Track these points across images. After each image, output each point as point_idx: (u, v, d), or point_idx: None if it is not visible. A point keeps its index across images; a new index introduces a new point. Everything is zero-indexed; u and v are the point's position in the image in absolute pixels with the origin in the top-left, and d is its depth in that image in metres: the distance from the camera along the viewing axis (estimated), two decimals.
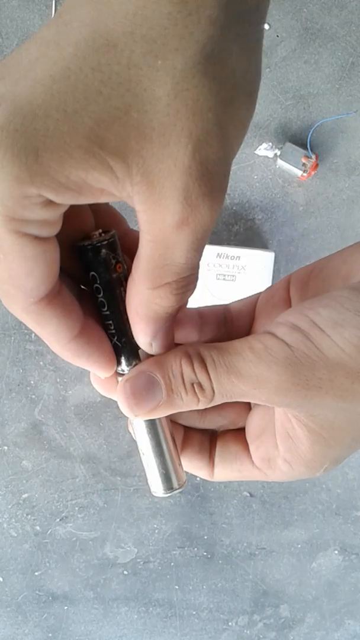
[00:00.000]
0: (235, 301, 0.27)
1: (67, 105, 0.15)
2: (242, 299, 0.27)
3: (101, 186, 0.17)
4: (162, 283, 0.19)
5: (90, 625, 0.83)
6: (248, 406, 0.27)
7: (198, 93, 0.16)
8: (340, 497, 0.80)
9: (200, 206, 0.17)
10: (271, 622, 0.83)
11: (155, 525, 0.80)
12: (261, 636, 0.84)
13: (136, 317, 0.21)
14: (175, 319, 0.23)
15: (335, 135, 0.74)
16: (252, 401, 0.22)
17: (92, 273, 0.21)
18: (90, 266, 0.21)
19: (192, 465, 0.26)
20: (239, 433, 0.27)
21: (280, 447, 0.23)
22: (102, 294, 0.22)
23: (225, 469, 0.26)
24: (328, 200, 0.75)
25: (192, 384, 0.21)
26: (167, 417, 0.24)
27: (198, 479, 0.79)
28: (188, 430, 0.27)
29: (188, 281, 0.20)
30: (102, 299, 0.22)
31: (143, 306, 0.20)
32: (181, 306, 0.21)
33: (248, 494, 0.80)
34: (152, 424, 0.24)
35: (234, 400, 0.22)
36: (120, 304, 0.22)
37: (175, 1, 0.15)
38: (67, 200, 0.17)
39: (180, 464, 0.25)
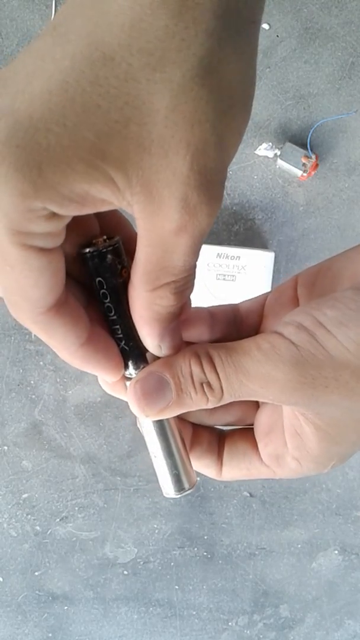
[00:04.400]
0: (245, 301, 0.28)
1: (66, 119, 0.15)
2: (251, 299, 0.28)
3: (103, 197, 0.17)
4: (160, 284, 0.20)
5: (90, 625, 0.83)
6: (256, 404, 0.28)
7: (196, 105, 0.16)
8: (340, 497, 0.80)
9: (198, 213, 0.17)
10: (271, 622, 0.83)
11: (155, 525, 0.80)
12: (261, 636, 0.84)
13: (140, 320, 0.21)
14: (183, 320, 0.23)
15: (335, 135, 0.74)
16: (260, 400, 0.22)
17: (99, 279, 0.22)
18: (96, 272, 0.22)
19: (200, 463, 0.27)
20: (248, 432, 0.27)
21: (288, 444, 0.24)
22: (108, 299, 0.22)
23: (234, 468, 0.26)
24: (328, 200, 0.75)
25: (202, 384, 0.21)
26: (176, 417, 0.25)
27: (198, 478, 0.79)
28: (196, 429, 0.27)
29: (186, 281, 0.20)
30: (109, 304, 0.22)
31: (145, 309, 0.21)
32: (184, 305, 0.22)
33: (248, 494, 0.80)
34: (161, 426, 0.24)
35: (243, 399, 0.22)
36: (127, 308, 0.22)
37: (172, 14, 0.15)
38: (71, 212, 0.17)
39: (190, 465, 0.25)
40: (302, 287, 0.26)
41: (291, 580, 0.82)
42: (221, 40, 0.16)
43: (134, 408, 0.23)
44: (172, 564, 0.81)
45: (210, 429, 0.28)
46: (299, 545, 0.81)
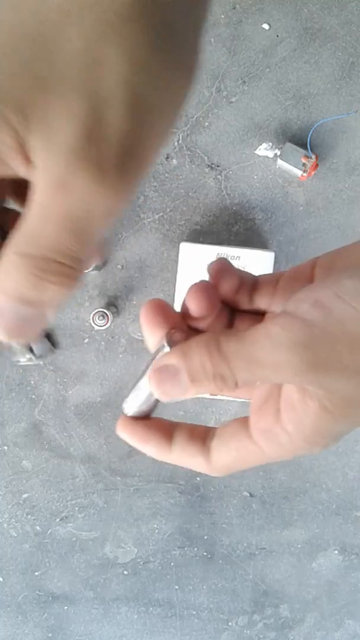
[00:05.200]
0: (263, 274, 0.28)
1: None
2: (269, 273, 0.28)
3: (5, 148, 0.15)
4: (21, 252, 0.17)
5: (90, 625, 0.83)
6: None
7: (110, 50, 0.15)
8: (340, 497, 0.80)
9: (83, 174, 0.15)
10: (271, 622, 0.83)
11: (155, 525, 0.80)
12: (261, 636, 0.84)
13: None
14: (216, 271, 0.24)
15: (335, 135, 0.74)
16: (273, 382, 0.22)
17: None
18: None
19: (186, 454, 0.25)
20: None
21: (283, 416, 0.23)
22: None
23: (222, 452, 0.25)
24: (328, 200, 0.75)
25: (214, 375, 0.21)
26: None
27: (198, 478, 0.79)
28: (175, 423, 0.27)
29: (50, 267, 0.16)
30: None
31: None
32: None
33: (248, 494, 0.80)
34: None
35: (257, 383, 0.22)
36: None
37: None
38: None
39: (154, 408, 0.26)
40: (320, 268, 0.25)
41: (291, 580, 0.82)
42: None
43: (155, 390, 0.23)
44: (172, 564, 0.81)
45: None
46: (299, 545, 0.81)
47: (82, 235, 0.16)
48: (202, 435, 0.25)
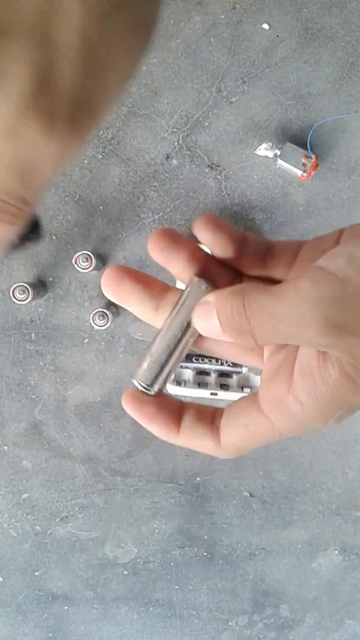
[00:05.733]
0: (282, 240, 0.26)
1: None
2: (288, 240, 0.26)
3: None
4: None
5: (90, 625, 0.83)
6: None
7: (68, 2, 0.15)
8: (340, 497, 0.80)
9: (33, 121, 0.15)
10: (271, 622, 0.83)
11: (155, 525, 0.80)
12: (261, 636, 0.84)
13: None
14: (212, 224, 0.23)
15: (335, 135, 0.74)
16: (295, 343, 0.21)
17: None
18: None
19: (194, 435, 0.24)
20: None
21: (297, 385, 0.22)
22: None
23: (232, 428, 0.23)
24: (328, 200, 0.75)
25: (236, 327, 0.21)
26: (194, 339, 0.24)
27: (198, 478, 0.79)
28: (185, 403, 0.25)
29: None
30: None
31: None
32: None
33: (248, 494, 0.80)
34: (183, 332, 0.24)
35: (278, 343, 0.21)
36: None
37: None
38: None
39: (166, 381, 0.25)
40: (346, 237, 0.24)
41: (291, 580, 0.82)
42: None
43: (195, 324, 0.22)
44: (172, 564, 0.81)
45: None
46: (299, 545, 0.81)
47: (29, 179, 0.17)
48: (210, 415, 0.24)
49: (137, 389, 0.24)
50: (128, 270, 0.23)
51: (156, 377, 0.24)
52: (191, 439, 0.24)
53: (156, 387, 0.24)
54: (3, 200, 0.17)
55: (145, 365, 0.24)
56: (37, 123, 0.15)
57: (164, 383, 0.24)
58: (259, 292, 0.20)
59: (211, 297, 0.21)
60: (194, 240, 0.23)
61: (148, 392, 0.24)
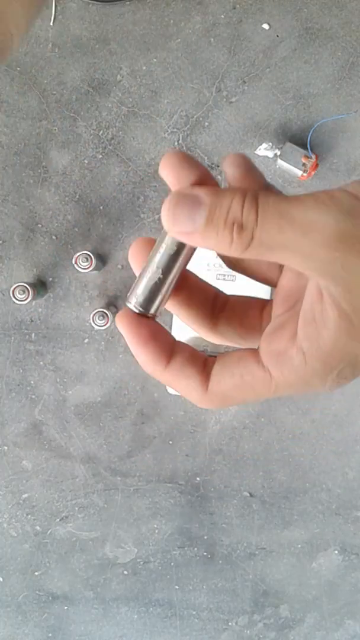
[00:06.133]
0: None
1: None
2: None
3: None
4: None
5: (90, 625, 0.83)
6: (265, 313, 0.25)
7: None
8: (340, 497, 0.80)
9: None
10: (271, 622, 0.83)
11: (155, 525, 0.80)
12: (261, 636, 0.84)
13: None
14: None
15: (335, 135, 0.74)
16: (290, 262, 0.20)
17: None
18: None
19: (182, 373, 0.23)
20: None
21: (300, 333, 0.21)
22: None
23: (224, 377, 0.22)
24: None
25: (233, 223, 0.19)
26: (190, 256, 0.23)
27: (198, 478, 0.79)
28: (179, 342, 0.24)
29: None
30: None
31: None
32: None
33: (248, 494, 0.80)
34: (177, 250, 0.22)
35: (271, 255, 0.19)
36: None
37: None
38: None
39: (164, 302, 0.23)
40: None
41: (291, 580, 0.82)
42: None
43: (163, 217, 0.21)
44: (172, 564, 0.81)
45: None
46: (299, 545, 0.81)
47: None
48: (202, 360, 0.23)
49: (132, 311, 0.23)
50: None
51: (151, 297, 0.23)
52: (178, 377, 0.23)
53: (152, 309, 0.23)
54: None
55: (140, 285, 0.23)
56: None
57: (160, 305, 0.23)
58: (271, 193, 0.20)
59: (199, 191, 0.20)
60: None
61: (144, 314, 0.23)
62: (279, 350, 0.21)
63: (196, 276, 0.25)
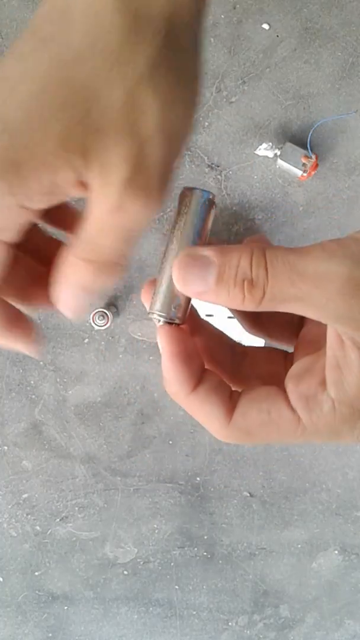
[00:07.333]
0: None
1: (42, 118, 0.18)
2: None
3: (66, 183, 0.19)
4: (85, 258, 0.21)
5: (90, 625, 0.83)
6: (288, 361, 0.25)
7: (145, 98, 0.19)
8: (340, 497, 0.80)
9: (135, 198, 0.19)
10: (271, 622, 0.83)
11: (155, 525, 0.80)
12: (261, 636, 0.84)
13: (61, 278, 0.22)
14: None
15: (335, 135, 0.74)
16: (304, 312, 0.20)
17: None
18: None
19: (208, 401, 0.22)
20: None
21: (327, 379, 0.21)
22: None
23: (251, 409, 0.22)
24: (328, 200, 0.75)
25: (244, 280, 0.20)
26: None
27: (198, 478, 0.79)
28: (208, 369, 0.24)
29: (109, 266, 0.21)
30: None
31: (66, 272, 0.22)
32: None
33: (248, 494, 0.80)
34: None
35: (284, 307, 0.20)
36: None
37: (127, 24, 0.18)
38: (39, 204, 0.19)
39: (186, 306, 0.23)
40: None
41: (291, 580, 0.82)
42: (169, 41, 0.19)
43: (174, 278, 0.21)
44: (172, 564, 0.81)
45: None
46: (299, 545, 0.81)
47: (132, 241, 0.21)
48: (229, 391, 0.23)
49: (160, 322, 0.23)
50: None
51: (172, 300, 0.23)
52: (202, 404, 0.22)
53: (178, 313, 0.23)
54: (115, 263, 0.21)
55: (159, 294, 0.23)
56: (137, 199, 0.19)
57: (185, 309, 0.23)
58: (279, 247, 0.21)
59: (207, 252, 0.21)
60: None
61: (172, 322, 0.23)
62: (308, 394, 0.21)
63: (213, 325, 0.26)
